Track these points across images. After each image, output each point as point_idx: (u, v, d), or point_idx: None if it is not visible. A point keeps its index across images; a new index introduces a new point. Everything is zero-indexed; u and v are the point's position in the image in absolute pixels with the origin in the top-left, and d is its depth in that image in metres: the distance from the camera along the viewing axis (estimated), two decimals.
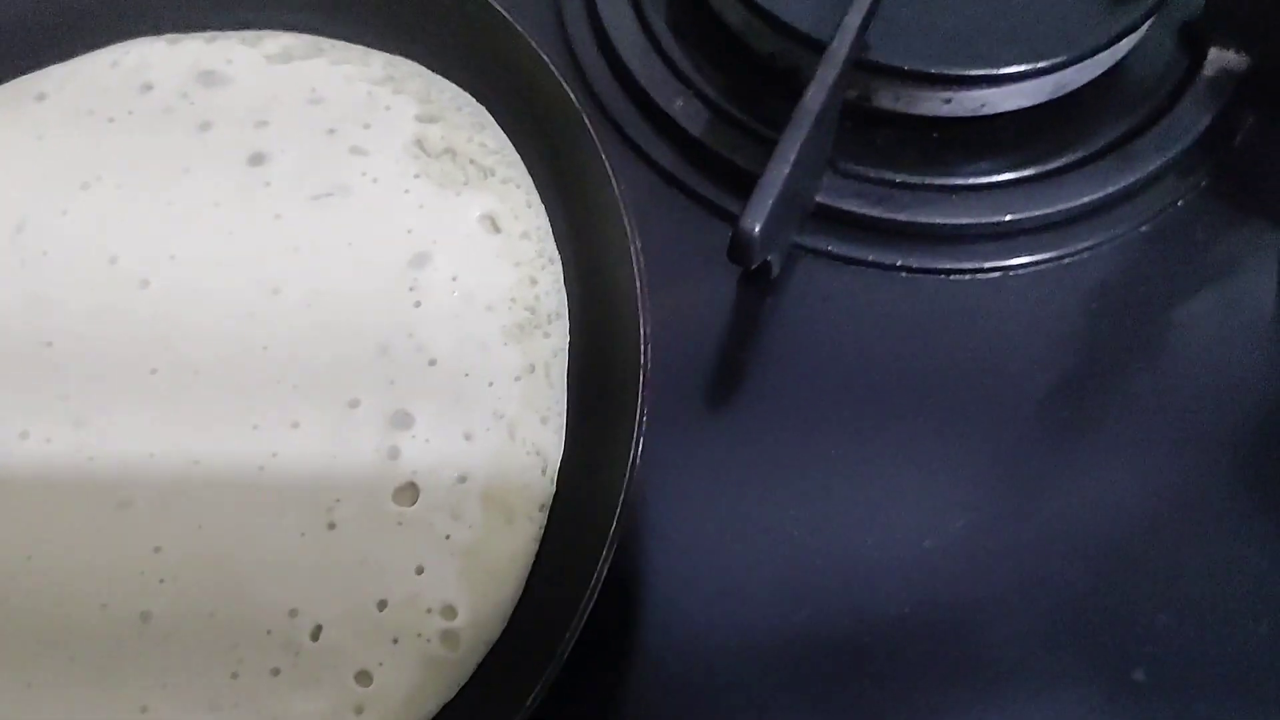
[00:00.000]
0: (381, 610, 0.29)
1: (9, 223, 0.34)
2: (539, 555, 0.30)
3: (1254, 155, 0.44)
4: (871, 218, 0.41)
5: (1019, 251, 0.41)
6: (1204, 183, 0.43)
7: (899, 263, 0.41)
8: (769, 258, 0.39)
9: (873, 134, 0.43)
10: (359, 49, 0.38)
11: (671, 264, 0.41)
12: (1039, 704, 0.34)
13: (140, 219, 0.34)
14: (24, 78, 0.36)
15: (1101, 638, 0.35)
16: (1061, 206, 0.41)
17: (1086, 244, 0.42)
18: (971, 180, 0.42)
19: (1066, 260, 0.41)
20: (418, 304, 0.33)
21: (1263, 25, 0.43)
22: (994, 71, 0.40)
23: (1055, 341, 0.40)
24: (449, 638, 0.29)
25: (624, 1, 0.47)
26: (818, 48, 0.39)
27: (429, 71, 0.37)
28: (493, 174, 0.35)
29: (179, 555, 0.30)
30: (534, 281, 0.33)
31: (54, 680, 0.29)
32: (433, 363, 0.32)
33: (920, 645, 0.35)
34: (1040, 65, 0.40)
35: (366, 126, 0.35)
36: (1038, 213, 0.41)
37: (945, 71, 0.40)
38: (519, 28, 0.35)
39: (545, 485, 0.31)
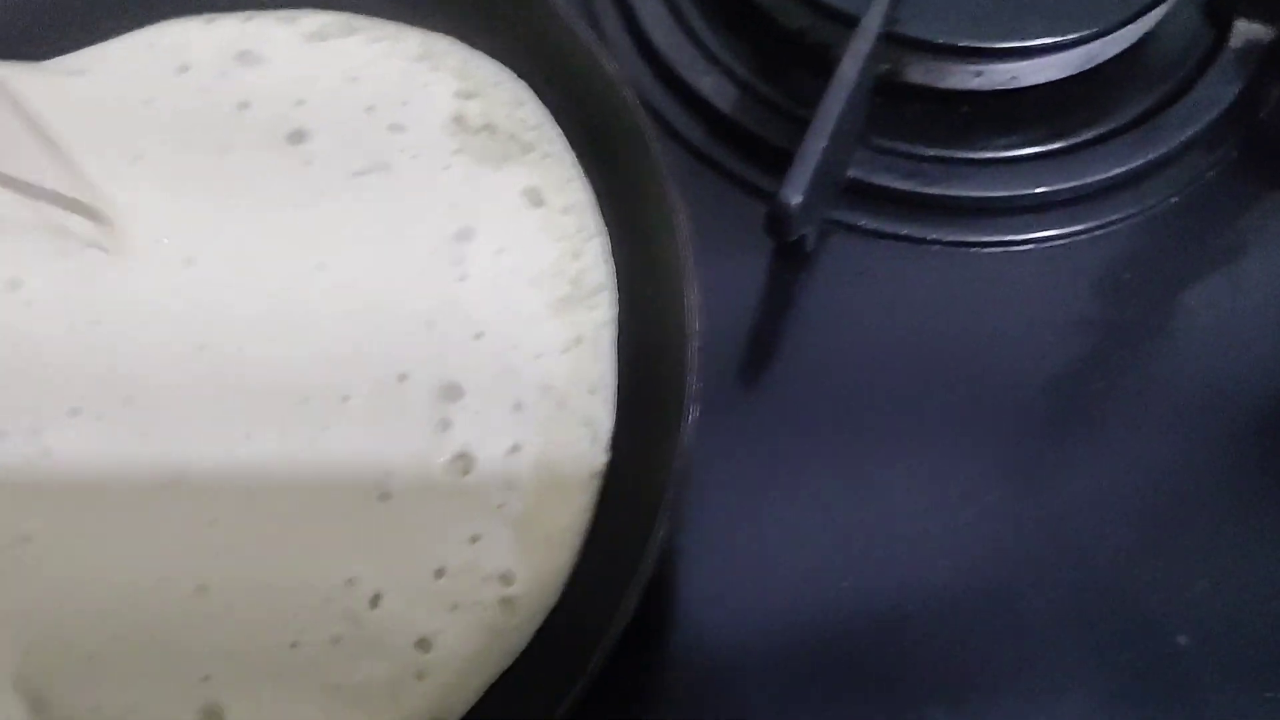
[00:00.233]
0: (439, 578, 0.29)
1: None
2: (593, 523, 0.30)
3: None
4: (903, 192, 0.42)
5: (1051, 224, 0.42)
6: (1234, 155, 0.43)
7: (931, 236, 0.41)
8: (804, 231, 0.39)
9: (903, 109, 0.43)
10: (394, 26, 0.38)
11: (701, 242, 0.41)
12: (1084, 669, 0.34)
13: (182, 198, 0.34)
14: (62, 57, 0.36)
15: (1143, 604, 0.35)
16: (1092, 179, 0.42)
17: (1117, 216, 0.42)
18: (1002, 154, 0.42)
19: (1098, 232, 0.42)
20: (463, 278, 0.33)
21: None
22: (1024, 44, 0.40)
23: (1090, 311, 0.40)
24: (507, 604, 0.29)
25: None
26: (848, 22, 0.39)
27: (465, 47, 0.37)
28: (533, 149, 0.35)
29: (233, 527, 0.30)
30: (577, 255, 0.33)
31: (114, 651, 0.29)
32: (480, 336, 0.32)
33: (962, 614, 0.35)
34: (1070, 37, 0.41)
35: (405, 103, 0.35)
36: (1069, 185, 0.41)
37: (976, 44, 0.40)
38: (552, 2, 0.35)
39: (597, 454, 0.31)
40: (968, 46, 0.40)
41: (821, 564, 0.36)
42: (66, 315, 0.32)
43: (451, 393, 0.32)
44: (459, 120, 0.35)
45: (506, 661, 0.29)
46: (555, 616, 0.30)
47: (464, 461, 0.31)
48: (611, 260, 0.34)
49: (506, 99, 0.36)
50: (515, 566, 0.30)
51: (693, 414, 0.29)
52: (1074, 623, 0.35)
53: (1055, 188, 0.41)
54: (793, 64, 0.44)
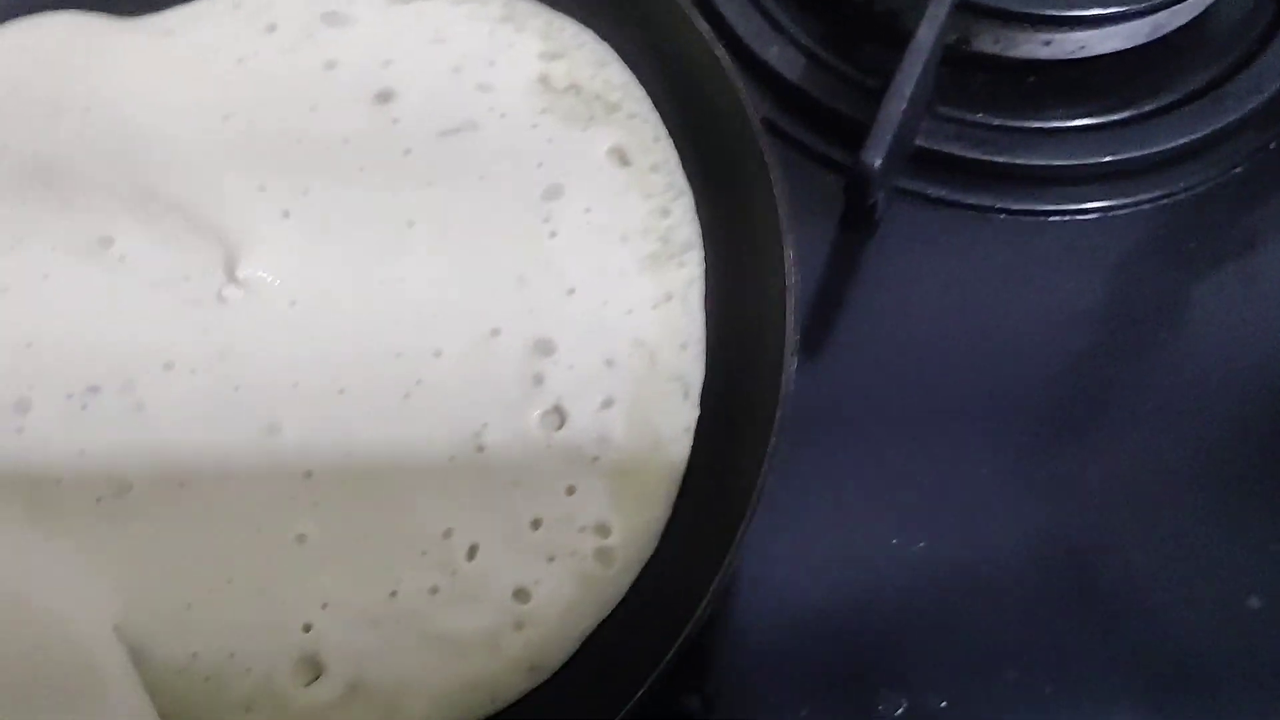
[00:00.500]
0: (535, 529, 0.30)
1: None
2: (686, 476, 0.31)
3: None
4: (970, 160, 0.42)
5: (1117, 193, 0.42)
6: None
7: (997, 205, 0.42)
8: (877, 197, 0.39)
9: (970, 79, 0.43)
10: None
11: None
12: (1158, 626, 0.35)
13: (274, 154, 0.34)
14: (152, 15, 0.36)
15: (1216, 567, 0.35)
16: (1157, 148, 0.42)
17: (1182, 185, 0.42)
18: (1069, 123, 0.42)
19: (1164, 201, 0.42)
20: (553, 234, 0.33)
21: None
22: (1095, 12, 0.41)
23: (1157, 278, 0.40)
24: (603, 555, 0.30)
25: None
26: None
27: (548, 9, 0.37)
28: (618, 109, 0.35)
29: (330, 479, 0.31)
30: (666, 212, 0.33)
31: (213, 600, 0.29)
32: (571, 292, 0.32)
33: (1039, 574, 0.36)
34: (1139, 6, 0.41)
35: (491, 63, 0.35)
36: (1135, 154, 0.42)
37: (1047, 12, 0.40)
38: None
39: (689, 409, 0.31)
40: (1040, 14, 0.40)
41: (898, 522, 0.36)
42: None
43: (544, 348, 0.32)
44: (544, 80, 0.35)
45: (604, 612, 0.30)
46: (651, 567, 0.30)
47: (558, 415, 0.31)
48: (698, 218, 0.34)
49: (591, 60, 0.36)
50: (611, 518, 0.30)
51: (792, 365, 0.29)
52: (1152, 581, 0.35)
53: (1121, 157, 0.42)
54: (859, 33, 0.44)
